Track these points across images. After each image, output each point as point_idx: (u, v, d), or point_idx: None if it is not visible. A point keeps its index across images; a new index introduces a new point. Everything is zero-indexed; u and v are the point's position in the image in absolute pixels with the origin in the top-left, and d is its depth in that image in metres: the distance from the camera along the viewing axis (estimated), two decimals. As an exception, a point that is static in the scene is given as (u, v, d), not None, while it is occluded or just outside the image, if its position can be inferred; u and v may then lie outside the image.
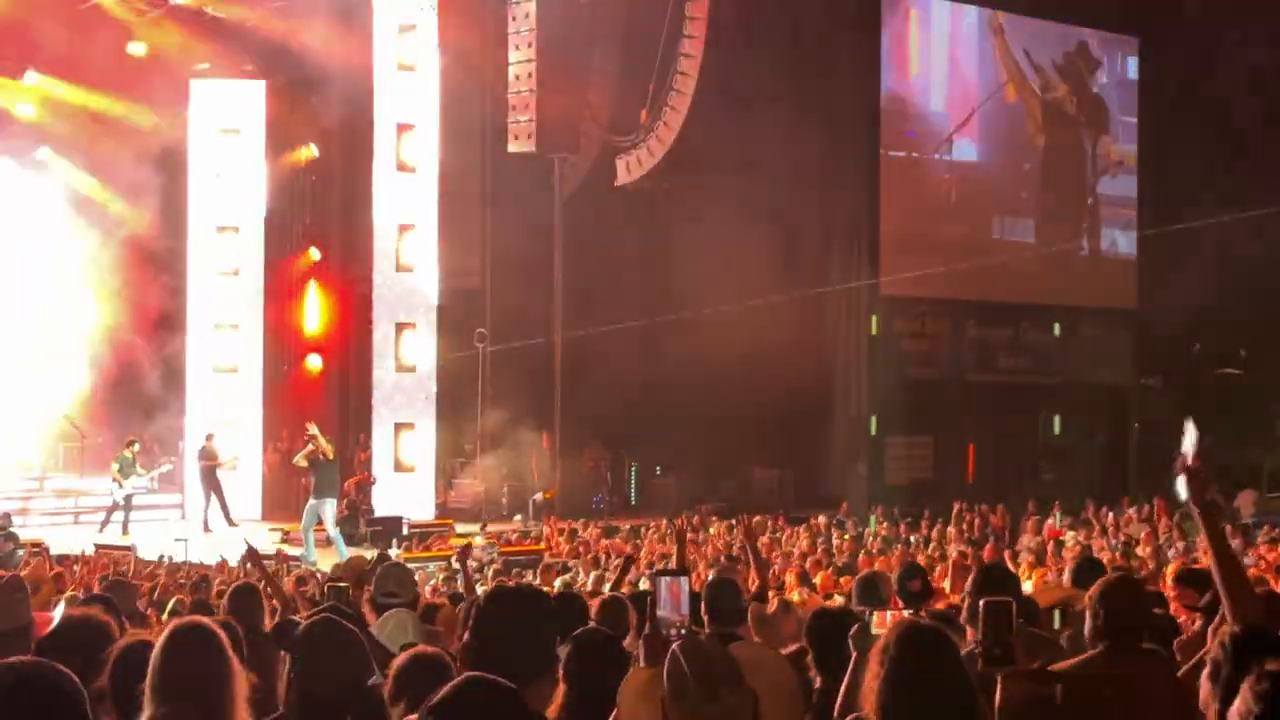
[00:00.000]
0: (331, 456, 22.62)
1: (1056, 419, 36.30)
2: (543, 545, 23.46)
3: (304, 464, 22.93)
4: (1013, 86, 34.40)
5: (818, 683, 5.94)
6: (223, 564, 18.09)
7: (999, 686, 4.59)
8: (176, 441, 28.34)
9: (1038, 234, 35.23)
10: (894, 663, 4.00)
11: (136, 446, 26.03)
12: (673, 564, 10.25)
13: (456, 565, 14.47)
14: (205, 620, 4.51)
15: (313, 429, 22.82)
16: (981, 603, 4.72)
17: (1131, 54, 36.04)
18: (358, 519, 25.05)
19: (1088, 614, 5.40)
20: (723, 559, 18.77)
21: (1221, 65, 30.09)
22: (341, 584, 9.18)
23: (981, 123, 34.20)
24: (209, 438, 26.83)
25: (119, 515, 25.41)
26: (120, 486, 25.33)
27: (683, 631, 4.40)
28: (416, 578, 13.43)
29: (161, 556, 19.08)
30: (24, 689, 3.37)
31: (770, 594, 10.98)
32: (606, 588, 10.86)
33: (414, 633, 7.21)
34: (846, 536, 21.99)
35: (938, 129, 33.70)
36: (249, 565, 14.77)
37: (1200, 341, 36.05)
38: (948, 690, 4.00)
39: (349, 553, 20.96)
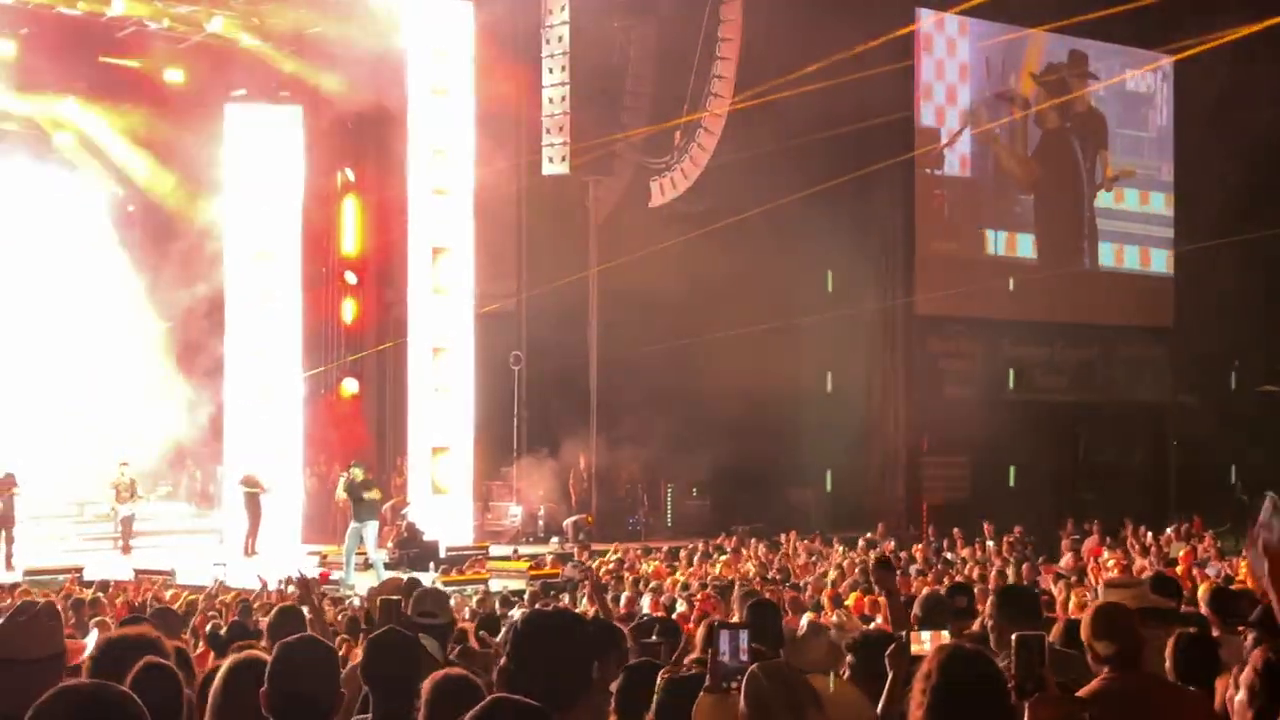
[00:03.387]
0: (378, 497, 22.75)
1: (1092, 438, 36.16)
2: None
3: (343, 495, 22.96)
4: (1015, 107, 34.32)
5: None
6: (263, 587, 18.10)
7: (1027, 711, 4.58)
8: (215, 466, 28.48)
9: (1037, 250, 35.19)
10: (937, 690, 3.96)
11: (128, 466, 26.18)
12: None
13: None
14: (263, 655, 4.54)
15: (348, 474, 22.91)
16: (1014, 636, 4.70)
17: (1130, 65, 35.84)
18: (418, 539, 25.04)
19: (1087, 643, 5.49)
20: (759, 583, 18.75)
21: (1256, 81, 29.97)
22: (394, 598, 9.15)
23: (978, 136, 34.13)
24: (251, 463, 27.00)
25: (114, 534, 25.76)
26: (115, 510, 25.59)
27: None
28: (454, 601, 13.46)
29: (216, 580, 19.08)
30: (90, 711, 3.40)
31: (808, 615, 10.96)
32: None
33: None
34: (873, 556, 21.86)
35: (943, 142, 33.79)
36: (291, 588, 14.85)
37: (1238, 359, 35.86)
38: (992, 717, 3.97)
39: (388, 576, 21.05)
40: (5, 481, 24.11)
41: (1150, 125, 37.12)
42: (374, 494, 22.59)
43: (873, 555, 22.52)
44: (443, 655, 7.30)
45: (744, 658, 4.48)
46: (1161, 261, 36.74)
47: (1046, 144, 35.65)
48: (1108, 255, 36.39)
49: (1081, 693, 5.28)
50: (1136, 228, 36.76)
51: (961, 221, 34.23)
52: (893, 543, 24.85)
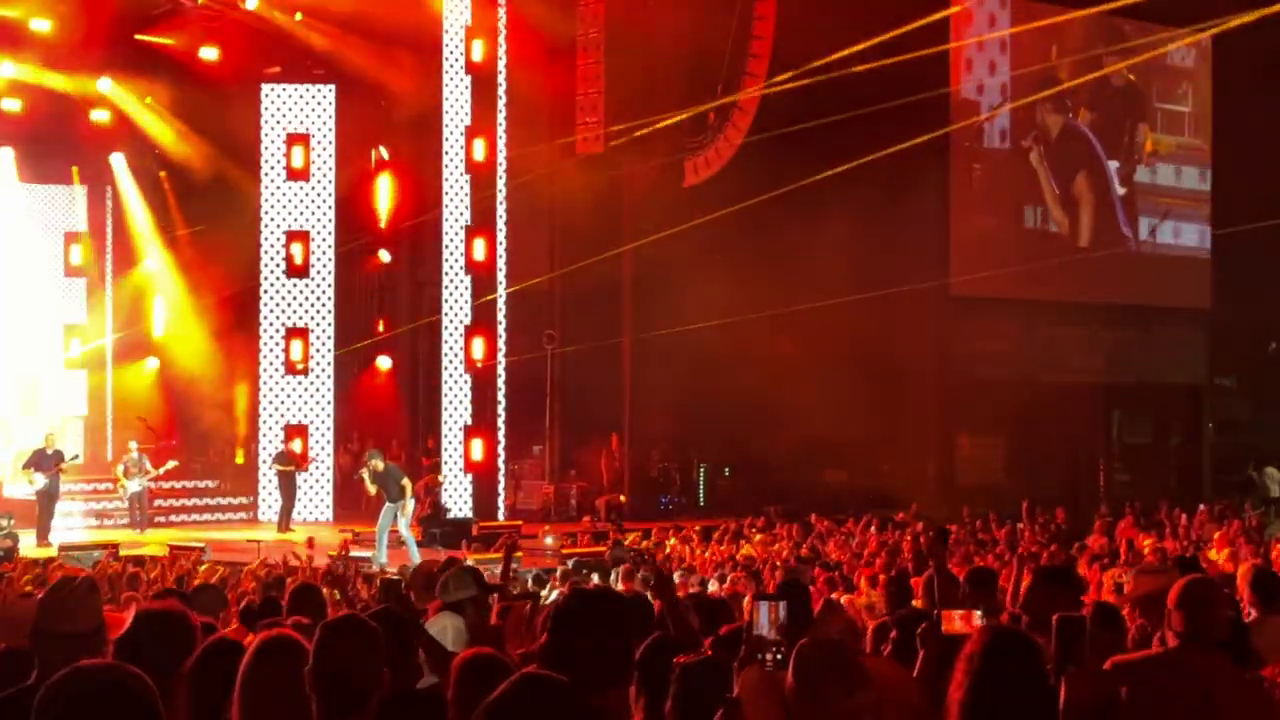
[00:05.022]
0: (408, 484, 22.76)
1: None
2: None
3: (373, 489, 23.03)
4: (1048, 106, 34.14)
5: None
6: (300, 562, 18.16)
7: (1064, 686, 4.57)
8: (249, 444, 28.63)
9: (1071, 228, 35.05)
10: (980, 672, 3.92)
11: (134, 445, 26.33)
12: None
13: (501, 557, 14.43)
14: (294, 634, 4.55)
15: (368, 468, 22.96)
16: (1055, 618, 4.68)
17: (1170, 41, 35.50)
18: (442, 517, 25.20)
19: (1169, 613, 5.35)
20: (792, 560, 18.76)
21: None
22: (394, 578, 9.23)
23: (1016, 112, 33.93)
24: (286, 441, 27.14)
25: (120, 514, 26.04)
26: (124, 486, 25.76)
27: (779, 657, 4.37)
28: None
29: (260, 555, 19.15)
30: (97, 692, 3.42)
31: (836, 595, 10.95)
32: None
33: (453, 639, 7.21)
34: (908, 538, 21.81)
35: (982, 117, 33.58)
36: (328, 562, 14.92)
37: (1275, 340, 35.63)
38: (1034, 700, 3.94)
39: (420, 555, 21.12)
40: (54, 458, 24.29)
41: (1191, 100, 36.85)
42: (405, 481, 22.65)
43: (918, 528, 22.57)
44: (466, 633, 7.33)
45: (780, 631, 4.45)
46: (1200, 238, 36.52)
47: (1068, 129, 35.43)
48: (1146, 231, 36.18)
49: (1135, 656, 5.25)
50: (1177, 204, 36.54)
51: (1000, 196, 34.05)
52: (919, 525, 24.73)
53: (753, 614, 4.56)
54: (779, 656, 4.29)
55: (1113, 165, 36.04)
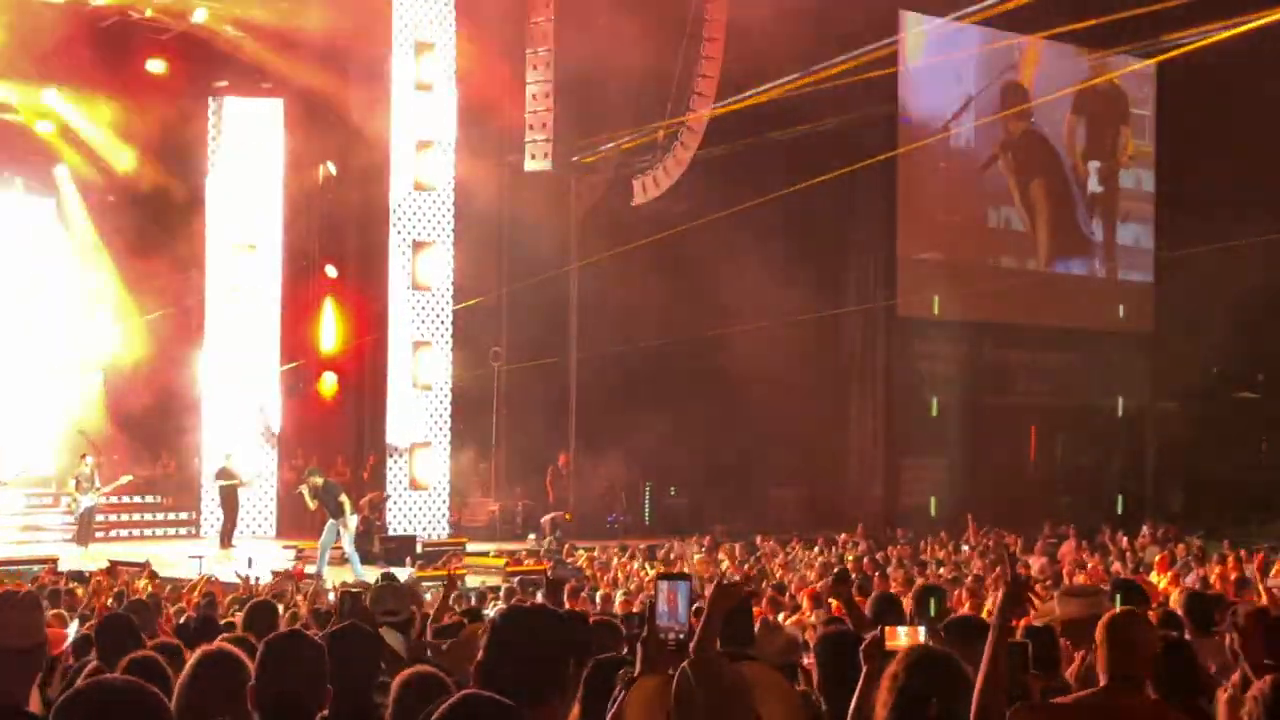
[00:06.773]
0: (346, 502, 22.61)
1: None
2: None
3: (312, 504, 22.94)
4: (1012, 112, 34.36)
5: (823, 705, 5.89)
6: (246, 580, 17.98)
7: (1008, 718, 4.56)
8: (193, 459, 28.42)
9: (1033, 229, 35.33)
10: (903, 692, 3.93)
11: (89, 459, 26.08)
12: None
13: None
14: (231, 647, 4.51)
15: (307, 485, 22.87)
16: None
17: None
18: (373, 537, 25.09)
19: (1097, 649, 5.31)
20: (737, 579, 18.76)
21: (1240, 90, 30.06)
22: (355, 590, 9.15)
23: (977, 111, 34.13)
24: (228, 457, 26.93)
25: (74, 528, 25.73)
26: (75, 501, 25.50)
27: (680, 638, 4.32)
28: (427, 596, 13.40)
29: (200, 574, 18.94)
30: (116, 706, 3.39)
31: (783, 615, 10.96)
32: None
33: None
34: (849, 559, 21.87)
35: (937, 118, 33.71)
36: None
37: (1218, 365, 35.96)
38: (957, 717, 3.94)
39: (364, 571, 21.01)
40: None
41: (1152, 105, 37.18)
42: (343, 499, 22.54)
43: (861, 549, 22.63)
44: (406, 649, 7.27)
45: (681, 617, 4.39)
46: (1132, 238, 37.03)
47: (1029, 136, 35.69)
48: (1119, 234, 36.62)
49: (1067, 699, 5.23)
50: (1144, 208, 36.98)
51: (963, 194, 34.18)
52: (863, 545, 24.77)
53: (654, 594, 4.50)
54: (680, 637, 4.25)
55: (1094, 165, 36.40)
